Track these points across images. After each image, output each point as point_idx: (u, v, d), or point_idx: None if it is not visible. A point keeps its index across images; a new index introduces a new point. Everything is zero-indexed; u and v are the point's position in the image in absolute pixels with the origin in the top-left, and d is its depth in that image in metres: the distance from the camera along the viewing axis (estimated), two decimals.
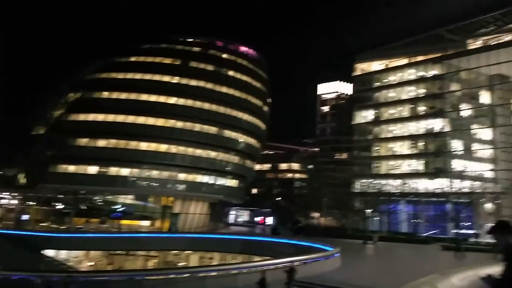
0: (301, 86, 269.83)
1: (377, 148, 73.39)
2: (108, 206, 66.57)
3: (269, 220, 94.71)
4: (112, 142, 62.05)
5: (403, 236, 55.29)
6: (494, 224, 4.69)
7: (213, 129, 67.01)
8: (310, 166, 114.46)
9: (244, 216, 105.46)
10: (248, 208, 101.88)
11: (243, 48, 78.56)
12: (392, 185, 64.98)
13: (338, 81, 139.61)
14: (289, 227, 65.78)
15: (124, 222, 62.80)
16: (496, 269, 4.69)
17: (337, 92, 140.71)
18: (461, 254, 31.47)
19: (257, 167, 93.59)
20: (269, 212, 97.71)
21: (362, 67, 79.52)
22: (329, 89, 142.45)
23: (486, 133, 65.51)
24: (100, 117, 62.55)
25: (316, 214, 77.68)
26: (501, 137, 63.83)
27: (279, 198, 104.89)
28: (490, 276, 4.58)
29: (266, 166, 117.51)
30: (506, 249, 4.49)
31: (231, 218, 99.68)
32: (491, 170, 63.37)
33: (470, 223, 54.42)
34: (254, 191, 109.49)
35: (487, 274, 4.64)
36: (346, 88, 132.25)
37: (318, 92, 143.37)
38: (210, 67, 69.32)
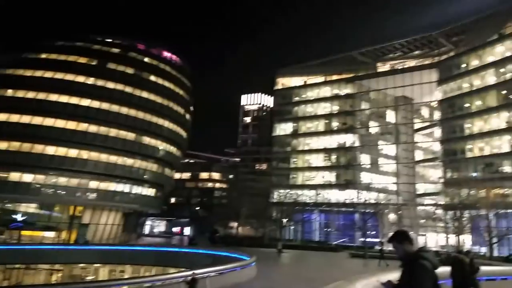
0: (225, 96, 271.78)
1: (294, 159, 76.36)
2: (7, 215, 59.86)
3: (187, 230, 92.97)
4: (14, 145, 56.32)
5: (315, 245, 57.86)
6: (393, 233, 5.07)
7: (130, 135, 64.13)
8: (231, 176, 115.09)
9: (160, 226, 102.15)
10: (165, 218, 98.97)
11: (167, 54, 76.90)
12: (307, 195, 67.93)
13: (261, 93, 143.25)
14: (208, 237, 65.15)
15: (26, 233, 56.94)
16: (395, 275, 5.04)
17: (259, 104, 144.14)
18: (384, 262, 33.44)
19: (177, 175, 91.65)
20: (187, 222, 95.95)
21: (283, 82, 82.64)
22: (252, 101, 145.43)
23: (390, 149, 71.77)
24: (1, 116, 56.52)
25: (235, 224, 78.04)
26: (403, 153, 70.47)
27: (198, 208, 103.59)
28: (389, 282, 4.93)
29: (186, 175, 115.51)
30: (403, 256, 4.86)
31: (147, 228, 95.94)
32: (394, 183, 69.47)
33: (375, 232, 58.81)
34: (173, 200, 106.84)
35: (387, 280, 4.97)
36: (268, 101, 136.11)
37: (242, 103, 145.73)
38: (129, 70, 66.49)
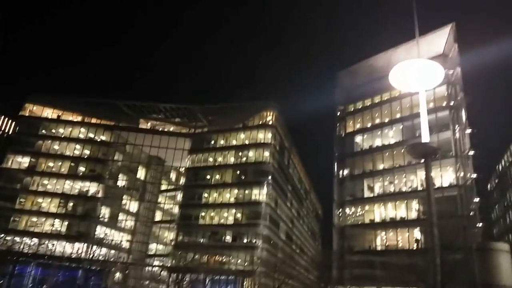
0: None
1: (22, 200, 65.14)
2: None
3: None
4: None
5: None
6: None
7: None
8: None
9: None
10: None
11: None
12: (26, 244, 58.03)
13: None
14: None
15: None
16: None
17: None
18: None
19: None
20: None
21: (33, 109, 72.41)
22: None
23: (133, 205, 71.17)
24: None
25: None
26: (144, 211, 71.00)
27: None
28: None
29: None
30: None
31: None
32: (129, 240, 68.10)
33: None
34: None
35: None
36: (6, 125, 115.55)
37: None
38: None
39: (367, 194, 52.97)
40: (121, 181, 71.08)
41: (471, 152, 46.08)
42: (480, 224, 45.06)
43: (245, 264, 56.91)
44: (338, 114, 60.37)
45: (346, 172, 55.81)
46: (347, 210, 53.95)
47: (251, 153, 65.82)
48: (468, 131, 47.81)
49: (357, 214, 53.34)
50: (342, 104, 60.67)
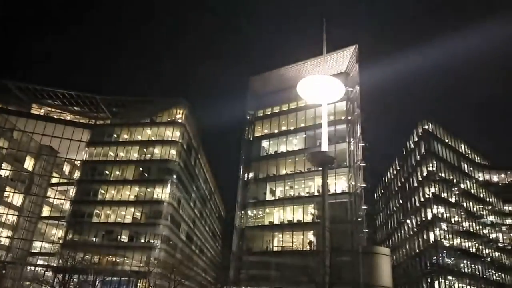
0: None
1: None
2: None
3: None
4: None
5: None
6: None
7: None
8: None
9: None
10: None
11: None
12: None
13: None
14: None
15: None
16: None
17: None
18: None
19: None
20: None
21: None
22: None
23: (17, 199, 63.92)
24: None
25: None
26: (29, 205, 64.16)
27: None
28: None
29: None
30: None
31: None
32: (8, 237, 60.95)
33: None
34: None
35: None
36: None
37: None
38: None
39: (269, 197, 54.73)
40: (5, 171, 63.44)
41: (363, 164, 50.44)
42: (366, 230, 49.48)
43: (141, 265, 54.68)
44: (248, 118, 61.55)
45: (251, 175, 57.05)
46: (249, 212, 55.14)
47: (156, 150, 63.66)
48: (361, 144, 52.30)
49: (258, 216, 54.84)
50: (252, 109, 61.98)
